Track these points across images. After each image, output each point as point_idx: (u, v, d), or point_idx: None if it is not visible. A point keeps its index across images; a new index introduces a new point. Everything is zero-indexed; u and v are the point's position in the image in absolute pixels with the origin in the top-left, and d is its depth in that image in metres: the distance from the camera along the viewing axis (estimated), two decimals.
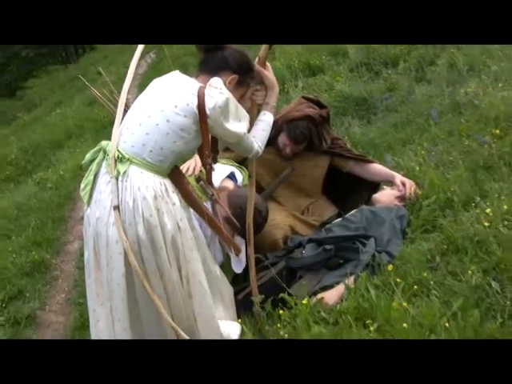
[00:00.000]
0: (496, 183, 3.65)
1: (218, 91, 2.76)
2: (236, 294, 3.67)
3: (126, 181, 2.72)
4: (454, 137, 4.61)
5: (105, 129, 10.47)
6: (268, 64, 3.13)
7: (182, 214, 2.86)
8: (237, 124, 2.85)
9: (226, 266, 3.77)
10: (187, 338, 2.88)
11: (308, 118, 4.16)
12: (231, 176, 3.86)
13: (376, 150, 5.46)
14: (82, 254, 3.18)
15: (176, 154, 2.83)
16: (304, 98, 4.43)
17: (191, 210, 3.41)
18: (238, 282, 3.77)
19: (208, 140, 2.87)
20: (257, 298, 3.34)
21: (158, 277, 2.80)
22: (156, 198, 2.74)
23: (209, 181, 3.11)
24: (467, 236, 3.19)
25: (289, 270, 3.65)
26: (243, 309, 3.46)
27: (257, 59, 3.09)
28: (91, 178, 2.87)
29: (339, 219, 4.01)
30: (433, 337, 2.59)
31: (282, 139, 4.19)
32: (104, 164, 2.85)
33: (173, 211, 2.80)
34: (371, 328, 2.76)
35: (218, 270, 3.23)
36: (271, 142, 4.20)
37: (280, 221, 4.09)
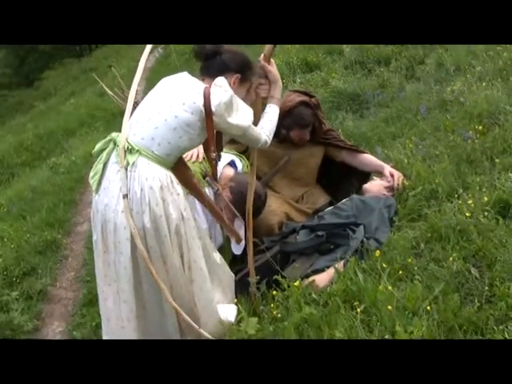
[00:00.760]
0: (478, 176, 3.64)
1: (222, 89, 2.78)
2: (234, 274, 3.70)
3: (135, 171, 2.72)
4: (440, 132, 4.60)
5: (115, 118, 10.46)
6: (272, 60, 3.13)
7: (185, 204, 2.86)
8: (240, 118, 2.85)
9: (225, 248, 3.77)
10: (188, 319, 2.89)
11: (302, 103, 4.17)
12: (231, 163, 3.85)
13: (368, 143, 5.45)
14: (90, 235, 3.19)
15: (181, 149, 2.85)
16: (291, 91, 4.44)
17: (194, 199, 3.42)
18: (236, 264, 3.77)
19: (213, 136, 2.87)
20: (253, 279, 3.35)
21: (161, 263, 2.81)
22: (162, 188, 2.74)
23: (214, 176, 3.10)
24: (450, 225, 3.18)
25: (283, 254, 3.66)
26: (239, 289, 3.45)
27: (262, 55, 3.09)
28: (101, 166, 2.87)
29: (331, 207, 4.00)
30: (415, 319, 2.59)
31: (296, 133, 4.19)
32: (114, 154, 2.85)
33: (177, 201, 2.80)
34: (358, 310, 2.76)
35: (217, 257, 3.23)
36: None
37: (276, 207, 4.09)
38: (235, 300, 3.36)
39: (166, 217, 2.76)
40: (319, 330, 2.79)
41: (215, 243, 3.77)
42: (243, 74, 2.99)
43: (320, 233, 3.62)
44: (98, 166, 2.88)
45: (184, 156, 3.59)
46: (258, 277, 3.34)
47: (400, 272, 2.98)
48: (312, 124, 4.19)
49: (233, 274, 3.40)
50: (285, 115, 4.07)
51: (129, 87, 3.02)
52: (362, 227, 3.57)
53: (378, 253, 3.18)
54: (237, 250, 3.62)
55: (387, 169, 4.08)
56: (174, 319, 2.96)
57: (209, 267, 3.05)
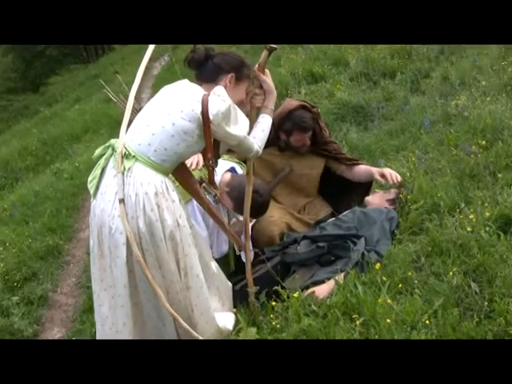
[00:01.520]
0: (480, 191, 3.65)
1: (220, 99, 2.79)
2: (234, 284, 3.69)
3: (130, 176, 2.75)
4: (443, 146, 4.62)
5: (119, 125, 10.43)
6: (267, 70, 3.14)
7: (181, 211, 2.87)
8: (237, 128, 2.88)
9: (230, 256, 3.78)
10: (185, 325, 2.89)
11: (302, 107, 4.17)
12: (231, 170, 3.86)
13: (371, 156, 5.46)
14: None
15: (178, 156, 2.85)
16: (291, 99, 4.47)
17: (195, 206, 3.42)
18: (237, 273, 3.78)
19: (210, 143, 2.87)
20: (252, 289, 3.35)
21: (157, 267, 2.82)
22: (157, 194, 2.75)
23: (211, 182, 3.11)
24: (451, 239, 3.19)
25: (283, 265, 3.66)
26: (239, 299, 3.45)
27: (256, 65, 3.10)
28: (98, 171, 2.89)
29: (333, 218, 4.01)
30: (414, 333, 2.59)
31: (296, 137, 4.17)
32: (112, 159, 2.88)
33: (172, 208, 2.81)
34: (357, 322, 2.76)
35: (214, 266, 3.24)
36: (271, 143, 4.22)
37: (277, 218, 4.09)
38: (234, 309, 3.35)
39: (161, 222, 2.76)
40: None
41: (218, 251, 3.79)
42: (238, 72, 2.99)
43: (321, 244, 3.62)
44: (96, 171, 2.90)
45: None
46: (258, 287, 3.34)
47: (400, 285, 2.99)
48: (312, 129, 4.18)
49: (230, 283, 3.40)
50: (284, 119, 4.09)
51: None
52: (363, 239, 3.57)
53: (378, 265, 3.19)
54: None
55: (376, 172, 4.09)
56: (171, 325, 2.97)
57: (205, 275, 3.06)
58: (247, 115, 3.08)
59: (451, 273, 2.90)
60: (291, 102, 4.28)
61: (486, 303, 2.67)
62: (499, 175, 3.73)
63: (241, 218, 3.54)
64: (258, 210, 3.65)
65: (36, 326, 4.68)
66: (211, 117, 2.75)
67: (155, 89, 9.19)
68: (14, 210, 7.20)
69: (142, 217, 2.73)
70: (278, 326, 3.06)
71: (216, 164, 3.06)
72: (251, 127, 3.09)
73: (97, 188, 2.89)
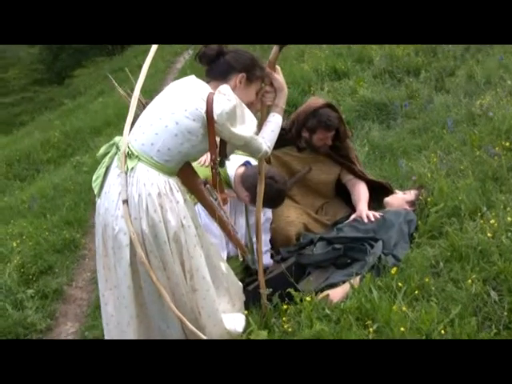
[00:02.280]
0: (503, 195, 3.54)
1: (225, 98, 2.70)
2: (247, 284, 3.63)
3: (133, 176, 2.70)
4: (466, 146, 4.49)
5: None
6: (278, 67, 3.03)
7: (185, 212, 2.81)
8: (243, 128, 2.79)
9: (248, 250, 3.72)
10: (191, 326, 2.83)
11: (328, 105, 4.10)
12: (246, 164, 3.79)
13: (392, 154, 5.36)
14: None
15: (182, 155, 2.78)
16: (316, 97, 4.40)
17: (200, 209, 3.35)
18: (251, 273, 3.71)
19: (214, 143, 2.80)
20: (264, 290, 3.28)
21: (161, 269, 2.77)
22: (160, 195, 2.71)
23: (214, 184, 3.03)
24: (471, 245, 3.08)
25: (298, 266, 3.59)
26: (252, 300, 3.38)
27: (267, 62, 3.01)
28: (103, 170, 2.84)
29: (350, 219, 3.92)
30: None
31: (320, 136, 4.07)
32: (116, 158, 2.82)
33: (176, 209, 2.76)
34: (370, 329, 2.68)
35: (224, 266, 3.18)
36: (290, 141, 4.14)
37: (294, 218, 4.03)
38: (245, 311, 3.30)
39: (165, 223, 2.72)
40: None
41: (231, 252, 3.72)
42: (249, 72, 2.89)
43: (337, 246, 3.55)
44: (100, 170, 2.85)
45: (198, 161, 3.55)
46: (270, 289, 3.28)
47: (416, 292, 2.89)
48: (337, 128, 4.09)
49: (240, 284, 3.33)
50: (309, 117, 4.00)
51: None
52: (380, 242, 3.49)
53: (394, 270, 3.10)
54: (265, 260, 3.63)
55: (356, 215, 3.96)
56: (177, 327, 2.92)
57: (213, 276, 3.00)
58: (257, 113, 3.01)
59: (470, 280, 2.79)
60: (317, 100, 4.20)
61: (505, 313, 2.57)
62: None
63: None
64: (274, 198, 3.55)
65: (50, 320, 4.65)
66: (215, 116, 2.68)
67: None
68: (32, 202, 7.20)
69: (145, 218, 2.68)
70: (290, 329, 2.99)
71: (222, 165, 2.97)
72: (262, 125, 3.02)
73: (101, 187, 2.84)
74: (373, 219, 3.77)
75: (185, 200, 2.86)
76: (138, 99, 3.16)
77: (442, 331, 2.52)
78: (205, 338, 2.89)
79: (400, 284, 2.95)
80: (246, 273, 3.82)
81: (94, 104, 14.27)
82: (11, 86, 26.14)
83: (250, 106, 2.95)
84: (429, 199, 3.76)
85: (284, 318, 3.10)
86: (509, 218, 3.13)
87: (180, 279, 2.83)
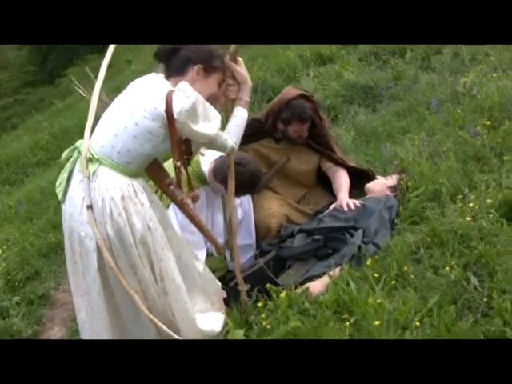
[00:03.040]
0: (485, 175, 3.45)
1: (185, 95, 2.63)
2: (229, 281, 3.58)
3: (95, 181, 2.66)
4: (450, 127, 4.38)
5: None
6: (240, 59, 2.96)
7: (151, 214, 2.76)
8: (206, 125, 2.72)
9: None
10: (165, 328, 2.79)
11: (302, 96, 3.99)
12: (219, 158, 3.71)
13: (378, 138, 5.24)
14: None
15: (144, 156, 2.73)
16: (290, 87, 4.30)
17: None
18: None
19: (176, 143, 2.73)
20: (242, 287, 3.23)
21: (131, 273, 2.74)
22: (123, 198, 2.67)
23: (178, 184, 2.96)
24: (452, 229, 2.99)
25: (279, 260, 3.52)
26: (233, 297, 3.33)
27: (228, 55, 2.94)
28: (65, 175, 2.79)
29: (331, 208, 3.83)
30: (406, 334, 2.41)
31: (295, 128, 3.98)
32: (78, 163, 2.76)
33: (142, 212, 2.72)
34: (347, 323, 2.60)
35: (200, 265, 3.15)
36: (267, 133, 4.06)
37: (276, 209, 3.96)
38: (225, 308, 3.26)
39: (130, 227, 2.68)
40: None
41: (209, 249, 3.66)
42: (206, 63, 2.81)
43: (317, 237, 3.47)
44: (63, 175, 2.80)
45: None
46: (249, 285, 3.22)
47: (393, 282, 2.80)
48: (312, 119, 3.99)
49: (218, 282, 3.30)
50: (282, 108, 3.92)
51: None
52: (360, 231, 3.41)
53: (369, 261, 3.01)
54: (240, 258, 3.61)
55: (336, 204, 3.87)
56: (153, 330, 2.89)
57: (186, 277, 2.97)
58: (222, 108, 2.96)
59: (448, 267, 2.70)
60: (290, 91, 4.10)
61: (485, 299, 2.48)
62: (505, 157, 3.51)
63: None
64: (247, 182, 3.50)
65: (36, 326, 4.60)
66: (175, 115, 2.61)
67: None
68: (19, 207, 7.14)
69: (110, 222, 2.65)
70: (269, 326, 2.91)
71: (189, 163, 2.94)
72: (228, 120, 2.95)
73: (65, 192, 2.80)
74: (353, 207, 3.68)
75: (151, 201, 2.82)
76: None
77: (417, 323, 2.43)
78: (179, 338, 2.85)
79: (376, 275, 2.86)
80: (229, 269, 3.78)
81: (83, 103, 14.13)
82: (3, 90, 26.02)
83: (214, 100, 2.90)
84: (409, 183, 3.66)
85: (263, 315, 3.02)
86: (489, 200, 3.04)
87: (150, 282, 2.80)
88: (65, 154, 2.85)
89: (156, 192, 3.45)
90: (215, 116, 2.78)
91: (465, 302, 2.54)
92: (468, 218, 2.94)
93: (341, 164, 4.12)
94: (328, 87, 6.99)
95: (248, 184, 3.53)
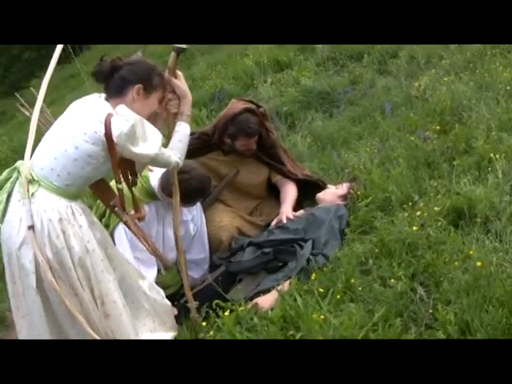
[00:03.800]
0: (435, 180, 3.43)
1: (123, 118, 2.61)
2: (180, 297, 3.53)
3: (34, 203, 2.64)
4: (402, 132, 4.36)
5: None
6: (179, 72, 2.94)
7: (89, 236, 2.75)
8: (145, 146, 2.69)
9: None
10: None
11: (247, 110, 3.92)
12: None
13: (333, 145, 5.20)
14: None
15: (85, 179, 2.74)
16: (237, 99, 4.22)
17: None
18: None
19: (116, 166, 2.72)
20: (192, 304, 3.18)
21: (72, 295, 2.72)
22: (61, 220, 2.65)
23: (122, 206, 2.94)
24: (400, 239, 2.95)
25: (228, 274, 3.46)
26: (184, 314, 3.29)
27: (167, 69, 2.90)
28: (4, 196, 2.76)
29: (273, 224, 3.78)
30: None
31: (242, 142, 3.91)
32: (17, 184, 2.74)
33: (80, 234, 2.71)
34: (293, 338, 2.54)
35: (146, 284, 3.13)
36: (215, 146, 3.99)
37: (227, 222, 3.89)
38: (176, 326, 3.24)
39: (68, 249, 2.67)
40: None
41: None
42: (145, 82, 2.77)
43: (267, 250, 3.41)
44: (1, 196, 2.76)
45: None
46: (197, 302, 3.16)
47: (339, 296, 2.74)
48: (259, 133, 3.93)
49: (167, 301, 3.26)
50: (228, 124, 3.85)
51: None
52: (309, 243, 3.36)
53: (313, 276, 2.95)
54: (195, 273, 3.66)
55: (278, 217, 3.83)
56: None
57: (131, 298, 2.97)
58: (164, 123, 2.97)
59: (393, 279, 2.66)
60: (236, 105, 4.03)
61: (430, 311, 2.44)
62: (455, 162, 3.49)
63: None
64: (195, 190, 3.49)
65: None
66: (115, 139, 2.59)
67: None
68: None
69: (48, 245, 2.64)
70: None
71: (135, 183, 2.94)
72: (171, 135, 2.94)
73: (3, 213, 2.76)
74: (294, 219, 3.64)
75: (91, 222, 2.81)
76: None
77: (360, 337, 2.37)
78: None
79: (322, 289, 2.80)
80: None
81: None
82: None
83: (155, 116, 2.88)
84: (359, 192, 3.61)
85: (211, 333, 2.94)
86: (436, 208, 3.01)
87: (91, 306, 2.78)
88: (4, 175, 2.81)
89: (105, 211, 3.40)
90: (155, 135, 2.75)
91: (411, 314, 2.51)
92: (415, 228, 2.90)
93: (289, 177, 4.07)
94: (285, 93, 6.93)
95: (197, 190, 3.52)
